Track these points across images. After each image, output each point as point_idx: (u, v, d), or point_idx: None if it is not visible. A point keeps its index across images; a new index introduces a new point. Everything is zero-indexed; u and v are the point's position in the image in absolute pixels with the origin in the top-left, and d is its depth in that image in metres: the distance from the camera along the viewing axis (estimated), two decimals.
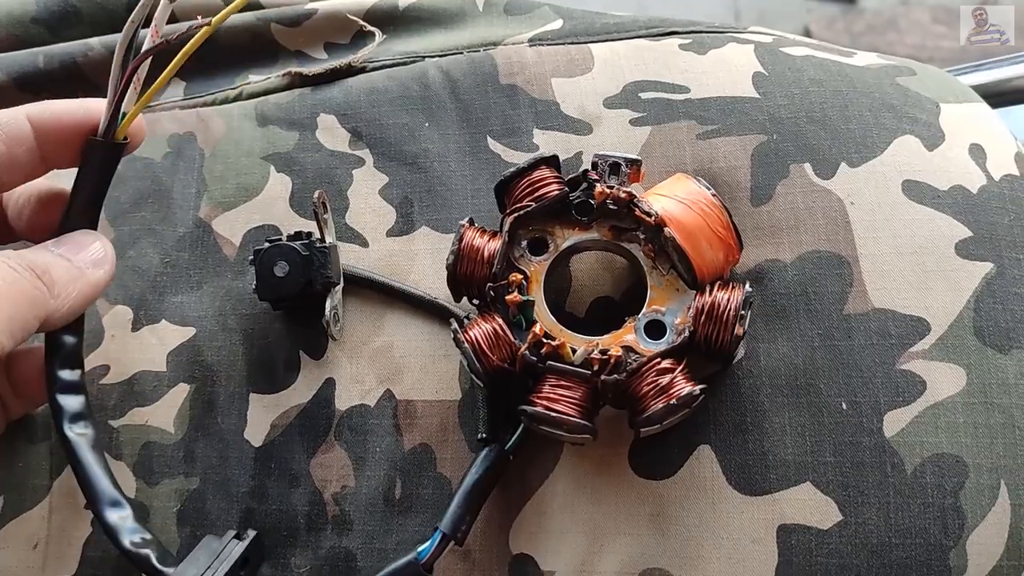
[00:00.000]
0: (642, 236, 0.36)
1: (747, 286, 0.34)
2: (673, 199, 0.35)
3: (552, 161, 0.37)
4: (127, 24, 0.33)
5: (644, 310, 0.35)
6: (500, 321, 0.35)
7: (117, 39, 0.46)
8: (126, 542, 0.35)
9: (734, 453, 0.35)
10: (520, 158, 0.41)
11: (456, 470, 0.37)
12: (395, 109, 0.43)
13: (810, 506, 0.34)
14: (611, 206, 0.36)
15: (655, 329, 0.34)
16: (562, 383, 0.34)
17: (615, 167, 0.36)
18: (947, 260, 0.36)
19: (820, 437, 0.34)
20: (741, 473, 0.34)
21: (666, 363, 0.33)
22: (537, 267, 0.36)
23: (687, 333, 0.34)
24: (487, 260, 0.36)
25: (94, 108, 0.36)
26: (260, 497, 0.38)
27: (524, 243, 0.36)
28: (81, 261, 0.35)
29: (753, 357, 0.36)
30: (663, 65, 0.42)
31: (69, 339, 0.37)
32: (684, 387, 0.32)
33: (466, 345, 0.34)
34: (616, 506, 0.35)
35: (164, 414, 0.40)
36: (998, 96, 0.50)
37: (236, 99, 0.46)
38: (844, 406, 0.34)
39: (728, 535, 0.34)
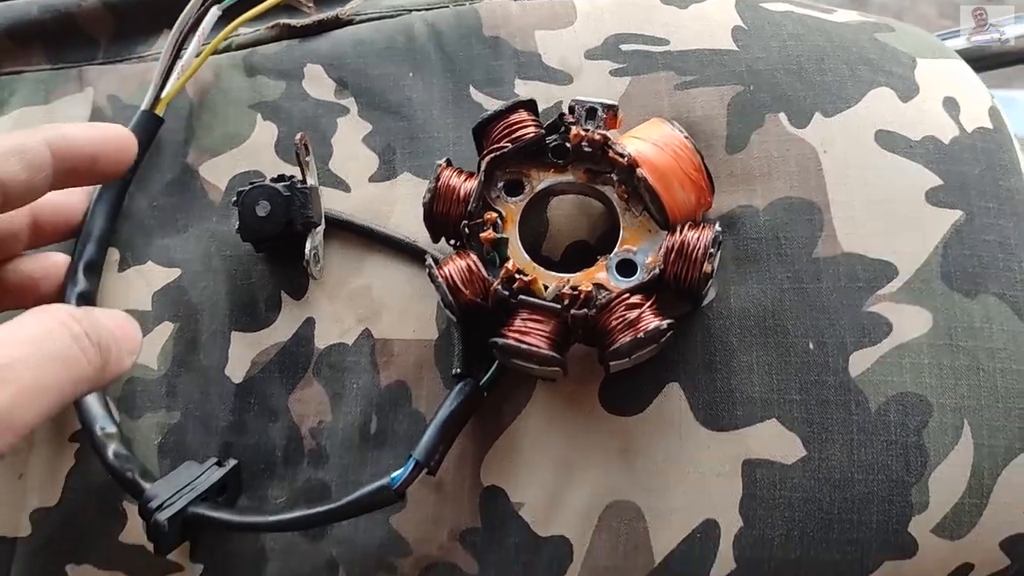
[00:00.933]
0: (616, 178, 0.36)
1: (717, 226, 0.34)
2: (647, 142, 0.36)
3: (530, 105, 0.37)
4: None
5: (616, 249, 0.35)
6: (474, 258, 0.35)
7: None
8: (110, 456, 0.37)
9: (702, 390, 0.35)
10: None
11: (431, 406, 0.37)
12: (380, 60, 0.44)
13: (775, 442, 0.34)
14: (586, 148, 0.36)
15: (626, 267, 0.35)
16: (533, 317, 0.34)
17: (591, 112, 0.37)
18: (917, 207, 0.36)
19: (786, 375, 0.35)
20: (708, 410, 0.35)
21: (635, 299, 0.34)
22: (513, 207, 0.37)
23: (657, 271, 0.34)
24: (463, 199, 0.36)
25: (111, 133, 0.37)
26: (239, 431, 0.39)
27: (500, 184, 0.37)
28: (123, 348, 0.33)
29: (723, 299, 0.36)
30: (644, 18, 0.42)
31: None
32: (652, 321, 0.33)
33: (440, 280, 0.35)
34: (586, 441, 0.36)
35: (148, 351, 0.41)
36: (980, 60, 0.50)
37: (225, 50, 0.47)
38: (811, 346, 0.35)
39: (694, 469, 0.34)
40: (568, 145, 0.37)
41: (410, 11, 0.45)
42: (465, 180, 0.37)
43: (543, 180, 0.37)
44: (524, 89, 0.42)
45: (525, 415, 0.36)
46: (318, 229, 0.39)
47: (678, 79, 0.40)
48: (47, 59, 0.49)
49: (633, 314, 0.33)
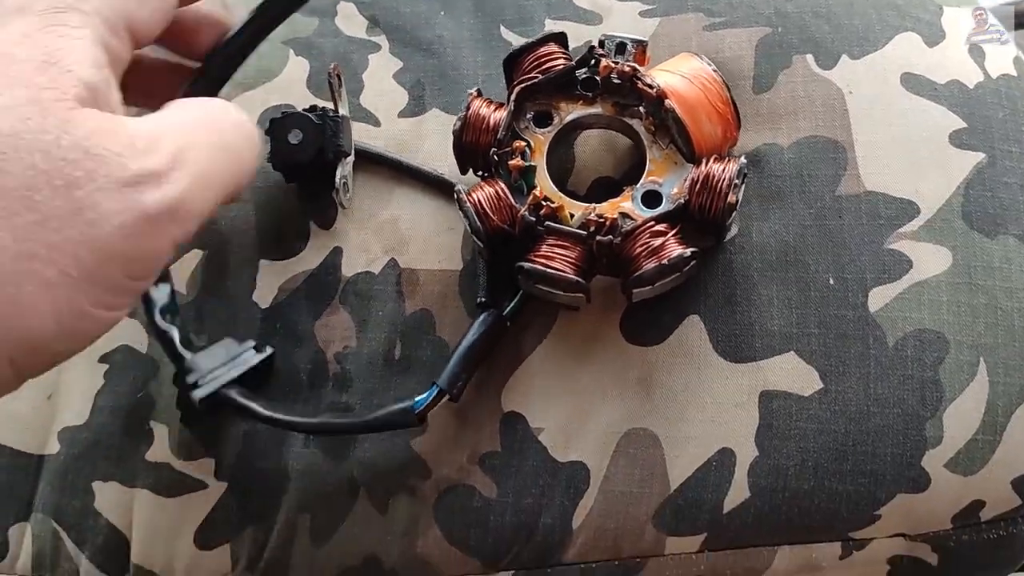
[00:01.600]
0: (644, 111, 0.37)
1: (742, 159, 0.35)
2: (675, 74, 0.36)
3: (560, 38, 0.38)
4: None
5: (642, 180, 0.36)
6: (502, 185, 0.36)
7: None
8: (157, 317, 0.38)
9: (722, 323, 0.36)
10: None
11: (454, 334, 0.38)
12: None
13: (793, 374, 0.35)
14: (615, 80, 0.37)
15: (651, 198, 0.36)
16: (559, 243, 0.35)
17: (621, 47, 0.37)
18: (940, 148, 0.37)
19: (806, 310, 0.35)
20: (728, 342, 0.36)
21: (660, 227, 0.34)
22: (541, 138, 0.37)
23: (682, 201, 0.35)
24: (492, 129, 0.37)
25: None
26: None
27: (529, 115, 0.38)
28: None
29: (746, 234, 0.37)
30: None
31: None
32: (676, 249, 0.34)
33: (468, 206, 0.35)
34: (605, 370, 0.36)
35: (177, 277, 0.41)
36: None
37: None
38: (831, 281, 0.35)
39: (712, 399, 0.35)
40: (597, 78, 0.37)
41: None
42: (495, 110, 0.37)
43: (572, 112, 0.37)
44: (554, 28, 0.42)
45: (546, 344, 0.37)
46: (348, 159, 0.40)
47: (707, 20, 0.40)
48: None
49: (657, 241, 0.34)
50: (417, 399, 0.35)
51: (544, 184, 0.36)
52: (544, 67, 0.37)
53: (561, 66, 0.37)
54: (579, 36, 0.41)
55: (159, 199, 0.24)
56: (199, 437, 0.39)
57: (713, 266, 0.36)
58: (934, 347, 0.34)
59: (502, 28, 0.43)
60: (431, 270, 0.39)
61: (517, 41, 0.42)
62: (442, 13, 0.44)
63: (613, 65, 0.36)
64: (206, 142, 0.27)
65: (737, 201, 0.34)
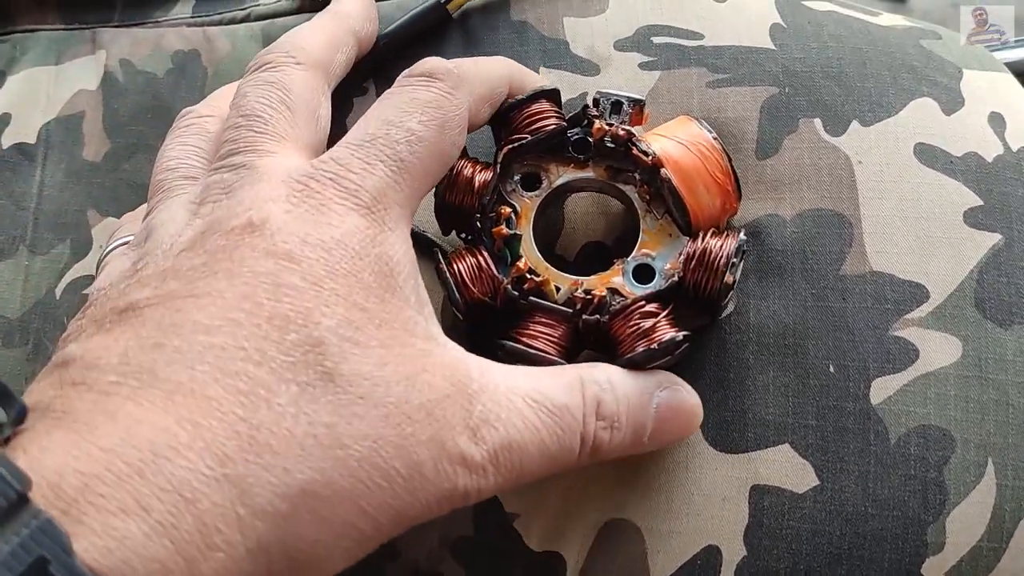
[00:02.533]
0: (639, 177, 0.34)
1: (742, 234, 0.32)
2: (673, 140, 0.34)
3: (552, 94, 0.35)
4: None
5: (634, 253, 0.34)
6: (485, 254, 0.34)
7: None
8: None
9: (714, 409, 0.33)
10: None
11: None
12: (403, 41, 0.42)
13: (787, 468, 0.32)
14: (609, 144, 0.34)
15: (643, 273, 0.33)
16: (543, 321, 0.33)
17: (617, 105, 0.35)
18: (954, 228, 0.34)
19: (804, 399, 0.33)
20: (719, 430, 0.33)
21: (651, 307, 0.32)
22: (528, 202, 0.35)
23: (676, 279, 0.32)
24: (477, 190, 0.34)
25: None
26: None
27: (517, 177, 0.35)
28: None
29: (742, 313, 0.34)
30: (679, 9, 0.40)
31: None
32: (667, 332, 0.31)
33: (448, 276, 0.33)
34: None
35: None
36: None
37: (244, 20, 0.45)
38: (832, 369, 0.33)
39: (699, 491, 0.33)
40: (590, 140, 0.35)
41: None
42: (481, 171, 0.35)
43: (562, 175, 0.35)
44: (549, 78, 0.40)
45: None
46: None
47: (710, 76, 0.38)
48: (62, 19, 0.47)
49: (648, 323, 0.32)
50: None
51: (529, 254, 0.34)
52: (534, 126, 0.35)
53: (552, 126, 0.35)
54: (575, 87, 0.39)
55: (471, 486, 0.26)
56: None
57: (706, 347, 0.34)
58: (939, 445, 0.32)
59: None
60: None
61: None
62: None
63: (607, 128, 0.34)
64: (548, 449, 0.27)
65: (735, 281, 0.32)
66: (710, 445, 0.33)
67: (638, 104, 0.35)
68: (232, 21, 0.45)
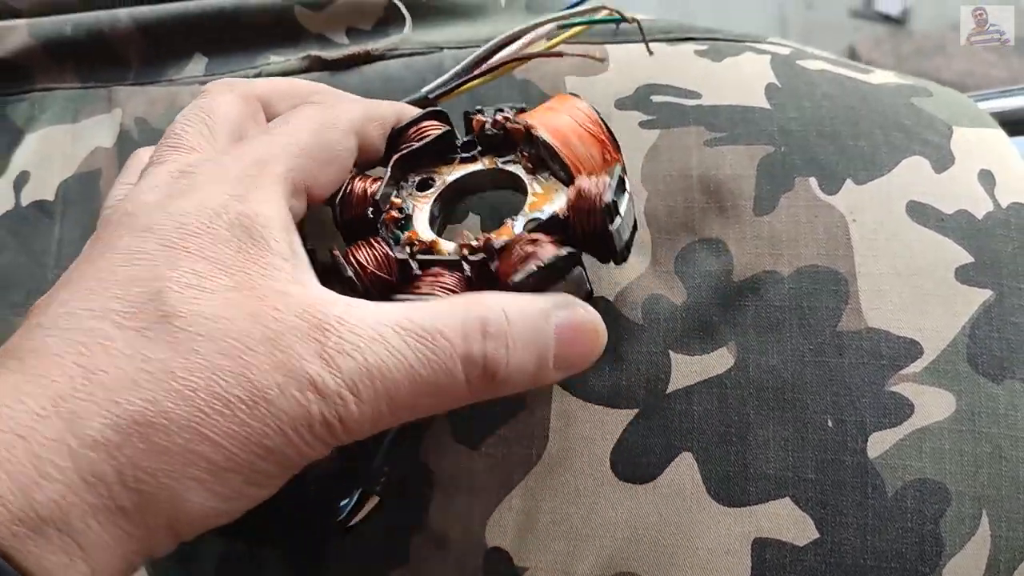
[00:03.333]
0: (522, 153, 0.36)
1: (618, 168, 0.33)
2: (542, 109, 0.36)
3: (441, 115, 0.38)
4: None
5: (523, 210, 0.34)
6: (379, 239, 0.35)
7: (146, 11, 0.47)
8: None
9: (715, 463, 0.34)
10: None
11: (439, 459, 0.37)
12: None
13: (787, 522, 0.33)
14: (489, 132, 0.36)
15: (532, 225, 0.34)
16: (433, 273, 0.34)
17: (499, 111, 0.37)
18: (946, 284, 0.35)
19: (803, 453, 0.34)
20: (721, 484, 0.34)
21: (535, 236, 0.33)
22: (422, 200, 0.37)
23: (557, 213, 0.33)
24: (370, 198, 0.36)
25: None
26: None
27: (412, 182, 0.37)
28: None
29: (743, 368, 0.35)
30: (677, 70, 0.42)
31: None
32: (551, 250, 0.32)
33: (342, 260, 0.34)
34: (594, 507, 0.35)
35: None
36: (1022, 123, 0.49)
37: (256, 78, 0.47)
38: (830, 424, 0.34)
39: (703, 544, 0.34)
40: (474, 137, 0.37)
41: (442, 48, 0.45)
42: (373, 183, 0.37)
43: (452, 173, 0.37)
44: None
45: (532, 476, 0.36)
46: None
47: (708, 135, 0.39)
48: (78, 78, 0.49)
49: (531, 248, 0.32)
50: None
51: (421, 229, 0.36)
52: (422, 138, 0.37)
53: (437, 131, 0.37)
54: None
55: (329, 414, 0.26)
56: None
57: (708, 401, 0.35)
58: (935, 498, 0.33)
59: None
60: None
61: None
62: None
63: (484, 118, 0.36)
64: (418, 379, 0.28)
65: (613, 203, 0.32)
66: (713, 499, 0.34)
67: (520, 110, 0.37)
68: (244, 79, 0.47)
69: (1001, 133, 0.40)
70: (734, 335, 0.36)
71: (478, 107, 0.37)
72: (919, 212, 0.37)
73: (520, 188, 0.36)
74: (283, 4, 0.48)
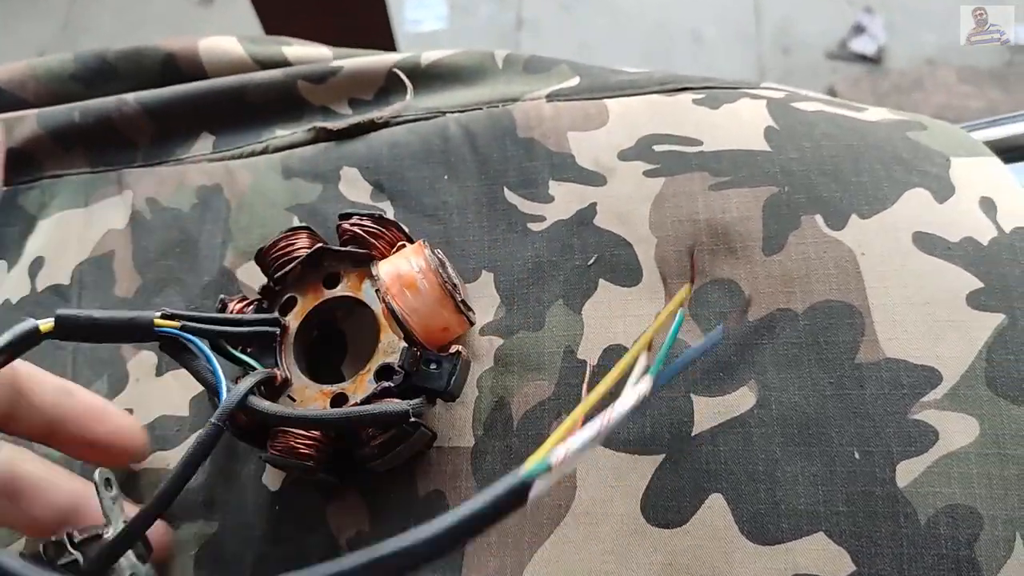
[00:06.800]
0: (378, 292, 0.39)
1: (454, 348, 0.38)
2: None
3: (307, 229, 0.41)
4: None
5: (376, 358, 0.38)
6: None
7: (152, 94, 0.49)
8: None
9: (746, 502, 0.35)
10: (537, 208, 0.42)
11: None
12: (416, 163, 0.44)
13: (823, 556, 0.33)
14: (344, 241, 0.40)
15: (385, 373, 0.37)
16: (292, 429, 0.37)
17: (345, 216, 0.41)
18: (958, 311, 0.36)
19: (833, 487, 0.34)
20: (754, 522, 0.34)
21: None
22: (292, 323, 0.40)
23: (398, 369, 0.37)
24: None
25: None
26: (274, 541, 0.38)
27: (282, 300, 0.40)
28: None
29: (765, 406, 0.36)
30: (676, 119, 0.43)
31: None
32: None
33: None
34: (628, 554, 0.35)
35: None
36: (1013, 151, 0.50)
37: (263, 152, 0.48)
38: (857, 455, 0.34)
39: None
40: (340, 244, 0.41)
41: (444, 113, 0.46)
42: (247, 306, 0.40)
43: (317, 298, 0.40)
44: (558, 190, 0.42)
45: (564, 526, 0.36)
46: None
47: (712, 179, 0.40)
48: (88, 162, 0.50)
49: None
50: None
51: (291, 369, 0.39)
52: (289, 255, 0.40)
53: (300, 255, 0.40)
54: (584, 198, 0.41)
55: None
56: None
57: (733, 441, 0.35)
58: (967, 523, 0.33)
59: (506, 190, 0.43)
60: (442, 448, 0.38)
61: (521, 204, 0.42)
62: (446, 177, 0.44)
63: (348, 227, 0.40)
64: None
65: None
66: (747, 538, 0.34)
67: (380, 219, 0.40)
68: (252, 154, 0.48)
69: (996, 161, 0.41)
70: (754, 374, 0.36)
71: (345, 212, 0.41)
72: (926, 242, 0.37)
73: (375, 322, 0.39)
74: (286, 79, 0.49)
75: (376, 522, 0.38)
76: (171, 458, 0.41)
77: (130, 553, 0.35)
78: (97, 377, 0.44)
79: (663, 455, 0.36)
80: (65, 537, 0.34)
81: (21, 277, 0.47)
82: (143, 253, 0.46)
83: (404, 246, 0.40)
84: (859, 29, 1.89)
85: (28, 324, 0.34)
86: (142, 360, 0.43)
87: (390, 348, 0.38)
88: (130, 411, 0.42)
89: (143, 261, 0.46)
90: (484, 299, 0.41)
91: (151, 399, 0.42)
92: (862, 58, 1.88)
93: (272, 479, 0.39)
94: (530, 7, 2.03)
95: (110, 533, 0.34)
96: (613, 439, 0.36)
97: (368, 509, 0.38)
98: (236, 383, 0.36)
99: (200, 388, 0.42)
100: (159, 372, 0.43)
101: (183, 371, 0.42)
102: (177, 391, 0.42)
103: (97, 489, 0.36)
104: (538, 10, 2.01)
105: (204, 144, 0.49)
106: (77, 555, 0.34)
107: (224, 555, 0.39)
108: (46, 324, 0.34)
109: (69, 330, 0.35)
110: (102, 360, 0.44)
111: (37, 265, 0.47)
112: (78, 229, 0.48)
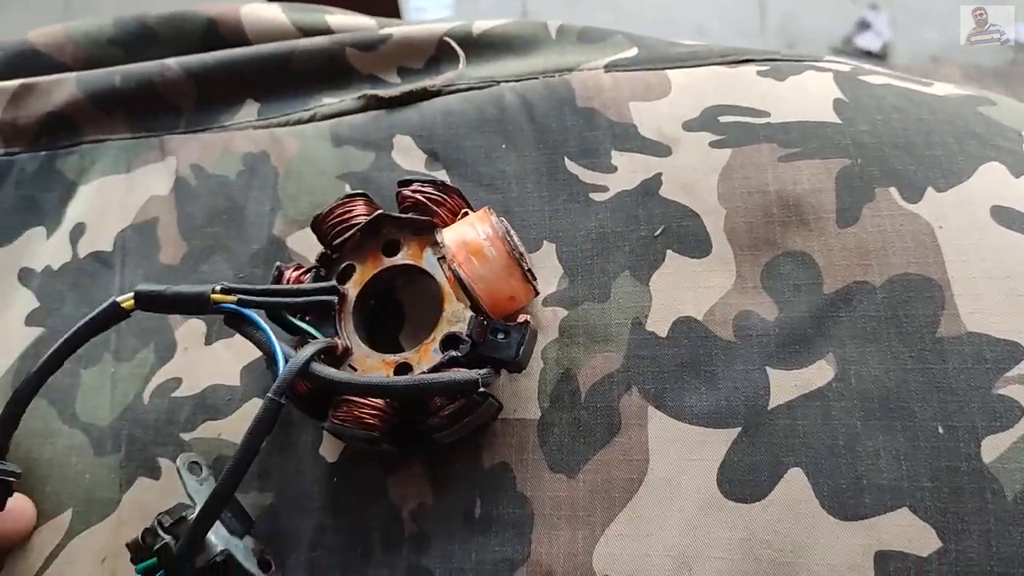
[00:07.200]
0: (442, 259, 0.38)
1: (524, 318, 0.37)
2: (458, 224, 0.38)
3: (362, 195, 0.40)
4: None
5: (441, 327, 0.37)
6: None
7: (195, 59, 0.47)
8: None
9: (827, 476, 0.34)
10: (599, 178, 0.41)
11: (536, 490, 0.36)
12: (472, 131, 0.43)
13: (908, 532, 0.33)
14: (406, 213, 0.39)
15: (451, 342, 0.37)
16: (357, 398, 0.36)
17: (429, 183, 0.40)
18: None
19: (916, 462, 0.33)
20: (836, 497, 0.33)
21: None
22: (350, 292, 0.39)
23: (468, 340, 0.36)
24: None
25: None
26: (334, 512, 0.37)
27: (340, 268, 0.40)
28: None
29: (844, 379, 0.35)
30: (741, 91, 0.42)
31: None
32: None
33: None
34: (705, 529, 0.34)
35: (238, 428, 0.39)
36: None
37: (310, 120, 0.46)
38: (940, 430, 0.34)
39: (824, 561, 0.33)
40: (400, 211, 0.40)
41: (498, 82, 0.45)
42: (304, 273, 0.39)
43: (377, 266, 0.39)
44: (621, 160, 0.41)
45: (637, 502, 0.35)
46: None
47: (781, 151, 0.39)
48: (129, 128, 0.49)
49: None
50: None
51: (351, 338, 0.38)
52: (347, 222, 0.39)
53: (359, 223, 0.39)
54: (648, 168, 0.40)
55: None
56: None
57: (812, 415, 0.35)
58: None
59: (566, 160, 0.42)
60: (507, 420, 0.37)
61: (583, 174, 0.41)
62: (503, 146, 0.43)
63: (409, 194, 0.39)
64: None
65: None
66: (829, 514, 0.33)
67: (443, 186, 0.39)
68: (299, 122, 0.46)
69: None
70: (831, 347, 0.36)
71: (405, 179, 0.40)
72: (1004, 216, 0.37)
73: (434, 282, 0.38)
74: (332, 47, 0.48)
75: (439, 494, 0.37)
76: (223, 428, 0.40)
77: (221, 529, 0.35)
78: (143, 346, 0.42)
79: (739, 428, 0.35)
80: (156, 523, 0.34)
81: (62, 243, 0.46)
82: (188, 220, 0.45)
83: (467, 214, 0.39)
84: (864, 25, 1.88)
85: (109, 302, 0.36)
86: (191, 328, 0.42)
87: (454, 317, 0.37)
88: (179, 380, 0.41)
89: (188, 228, 0.45)
90: (546, 270, 0.40)
91: (201, 368, 0.41)
92: (867, 54, 1.87)
93: (329, 450, 0.38)
94: None
95: (195, 515, 0.34)
96: (686, 411, 0.35)
97: (431, 481, 0.37)
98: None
99: (252, 357, 0.41)
100: (208, 341, 0.42)
101: (234, 339, 0.41)
102: (228, 360, 0.41)
103: (179, 473, 0.36)
104: (542, 2, 2.00)
105: (249, 111, 0.48)
106: (168, 539, 0.34)
107: (280, 526, 0.38)
108: (126, 300, 0.36)
109: (146, 304, 0.36)
110: (148, 329, 0.43)
111: (78, 231, 0.46)
112: (120, 195, 0.46)
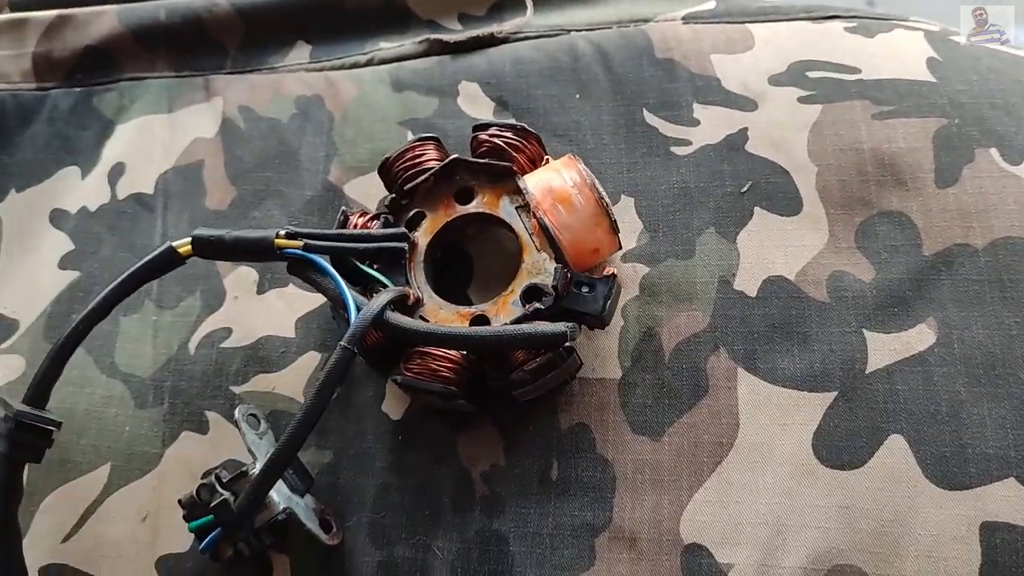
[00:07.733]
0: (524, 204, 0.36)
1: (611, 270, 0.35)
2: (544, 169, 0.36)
3: (434, 139, 0.38)
4: None
5: (520, 279, 0.35)
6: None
7: None
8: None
9: (929, 444, 0.32)
10: (681, 132, 0.39)
11: (618, 452, 0.34)
12: (543, 80, 0.41)
13: (1015, 503, 0.31)
14: (480, 161, 0.37)
15: (532, 294, 0.35)
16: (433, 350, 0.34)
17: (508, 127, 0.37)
18: None
19: (1023, 430, 0.32)
20: (939, 465, 0.32)
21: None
22: (420, 240, 0.37)
23: (551, 298, 0.34)
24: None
25: None
26: (399, 472, 0.35)
27: (408, 216, 0.37)
28: None
29: (946, 344, 0.33)
30: (829, 46, 0.40)
31: None
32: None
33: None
34: (800, 496, 0.32)
35: (292, 382, 0.37)
36: None
37: (367, 64, 0.44)
38: None
39: (926, 531, 0.31)
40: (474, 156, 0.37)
41: (569, 31, 0.43)
42: (371, 220, 0.37)
43: (449, 214, 0.37)
44: (704, 114, 0.39)
45: (727, 465, 0.33)
46: None
47: (875, 108, 0.38)
48: (172, 66, 0.46)
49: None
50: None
51: (422, 289, 0.36)
52: (419, 167, 0.37)
53: (430, 168, 0.37)
54: (732, 123, 0.39)
55: None
56: (324, 568, 0.34)
57: (912, 380, 0.33)
58: None
59: (645, 112, 0.40)
60: (587, 379, 0.35)
61: (663, 126, 0.39)
62: (577, 96, 0.41)
63: (486, 138, 0.37)
64: None
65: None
66: (931, 482, 0.32)
67: (524, 132, 0.37)
68: (355, 65, 0.44)
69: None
70: (932, 310, 0.34)
71: (482, 122, 0.37)
72: None
73: (512, 232, 0.36)
74: None
75: (513, 455, 0.35)
76: (275, 381, 0.37)
77: (283, 487, 0.33)
78: (188, 293, 0.40)
79: (835, 392, 0.33)
80: (214, 478, 0.32)
81: (100, 184, 0.43)
82: (237, 164, 0.42)
83: (547, 161, 0.37)
84: None
85: (166, 247, 0.34)
86: (241, 276, 0.40)
87: (535, 269, 0.35)
88: (228, 330, 0.39)
89: (237, 172, 0.42)
90: (625, 224, 0.38)
91: (252, 318, 0.39)
92: None
93: (393, 407, 0.36)
94: None
95: (256, 469, 0.31)
96: (778, 374, 0.34)
97: (504, 441, 0.35)
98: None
99: (307, 308, 0.39)
100: (261, 289, 0.39)
101: (287, 289, 0.39)
102: (282, 311, 0.39)
103: (238, 426, 0.34)
104: None
105: (300, 53, 0.45)
106: (227, 495, 0.32)
107: (341, 484, 0.35)
108: (183, 245, 0.34)
109: (204, 249, 0.34)
110: (194, 275, 0.40)
111: (117, 172, 0.43)
112: (162, 136, 0.44)
